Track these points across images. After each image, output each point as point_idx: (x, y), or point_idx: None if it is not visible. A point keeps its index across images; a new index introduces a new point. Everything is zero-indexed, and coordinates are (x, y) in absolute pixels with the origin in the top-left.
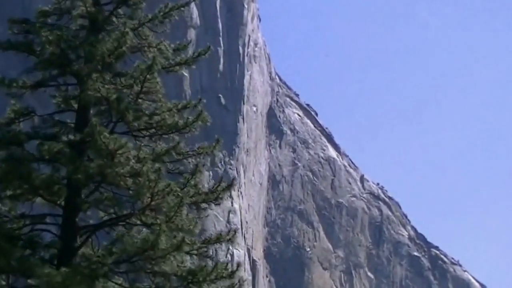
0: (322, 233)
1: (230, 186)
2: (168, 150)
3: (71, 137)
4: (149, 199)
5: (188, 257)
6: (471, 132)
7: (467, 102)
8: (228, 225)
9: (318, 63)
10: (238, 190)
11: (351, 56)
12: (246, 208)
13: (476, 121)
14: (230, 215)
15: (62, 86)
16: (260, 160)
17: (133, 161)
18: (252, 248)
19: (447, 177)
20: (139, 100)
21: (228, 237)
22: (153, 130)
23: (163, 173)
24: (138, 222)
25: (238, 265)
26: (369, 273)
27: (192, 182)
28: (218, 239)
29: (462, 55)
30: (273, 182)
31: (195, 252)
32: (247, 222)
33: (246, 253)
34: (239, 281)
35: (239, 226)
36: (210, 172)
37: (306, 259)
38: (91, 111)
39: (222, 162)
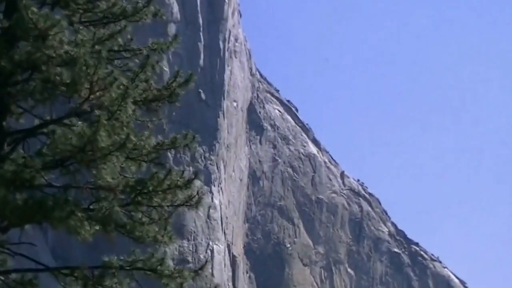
0: (302, 229)
1: (187, 82)
2: (112, 34)
3: None
4: (88, 90)
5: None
6: (452, 129)
7: (447, 100)
8: (208, 220)
9: (299, 59)
10: (218, 186)
11: (332, 52)
12: (226, 204)
13: (457, 118)
14: (210, 210)
15: None
16: (241, 156)
17: (68, 47)
18: (232, 244)
19: (427, 174)
20: None
21: (186, 141)
22: (97, 20)
23: (104, 58)
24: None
25: (196, 173)
26: (349, 269)
27: (142, 77)
28: (173, 143)
29: (446, 57)
30: (253, 178)
31: (144, 158)
32: (227, 218)
33: (226, 249)
34: (198, 193)
35: (219, 222)
36: (190, 168)
37: (286, 255)
38: None
39: (202, 158)
